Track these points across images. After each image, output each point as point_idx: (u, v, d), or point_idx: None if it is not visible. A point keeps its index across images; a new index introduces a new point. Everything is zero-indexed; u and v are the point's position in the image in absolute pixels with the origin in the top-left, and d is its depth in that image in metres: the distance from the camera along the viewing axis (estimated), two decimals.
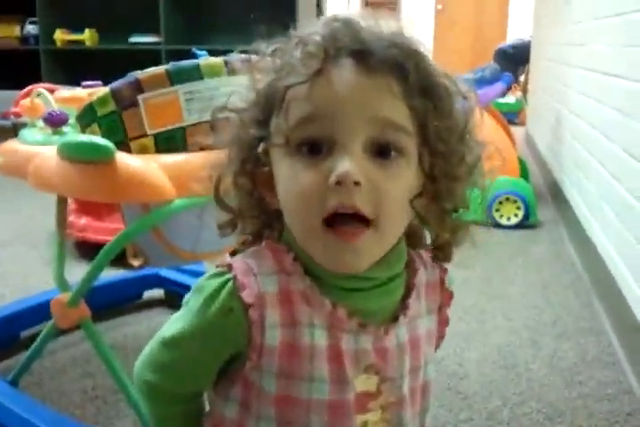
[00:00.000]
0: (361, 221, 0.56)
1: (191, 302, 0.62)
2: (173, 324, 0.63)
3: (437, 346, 0.72)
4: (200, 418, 0.69)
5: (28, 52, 4.99)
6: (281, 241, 0.63)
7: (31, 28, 5.04)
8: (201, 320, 0.60)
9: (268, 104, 0.59)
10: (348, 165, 0.54)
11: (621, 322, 1.70)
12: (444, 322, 0.70)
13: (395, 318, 0.63)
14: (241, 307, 0.58)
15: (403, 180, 0.58)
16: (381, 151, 0.57)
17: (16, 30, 5.11)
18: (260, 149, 0.60)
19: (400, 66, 0.57)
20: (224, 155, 0.63)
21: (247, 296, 0.58)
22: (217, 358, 0.63)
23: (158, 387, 0.66)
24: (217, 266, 0.62)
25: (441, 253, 0.67)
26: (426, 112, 0.57)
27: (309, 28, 0.60)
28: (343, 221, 0.56)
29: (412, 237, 0.66)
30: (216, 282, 0.60)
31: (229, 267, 0.60)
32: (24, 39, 5.11)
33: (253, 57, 0.63)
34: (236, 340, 0.60)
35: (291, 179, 0.57)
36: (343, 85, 0.56)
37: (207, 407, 0.70)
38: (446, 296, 0.69)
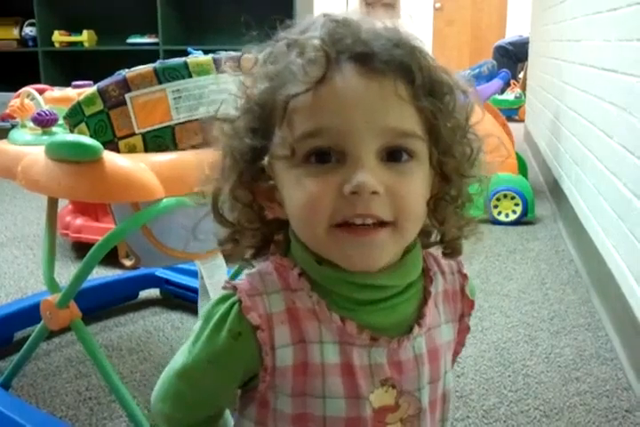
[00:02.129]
0: (378, 224, 0.55)
1: (200, 329, 0.61)
2: (184, 353, 0.62)
3: (457, 353, 0.70)
4: None
5: (26, 53, 5.00)
6: (287, 256, 0.61)
7: (29, 30, 5.03)
8: (211, 347, 0.59)
9: (265, 113, 0.57)
10: (365, 174, 0.53)
11: (620, 318, 1.69)
12: (464, 330, 0.68)
13: (409, 329, 0.61)
14: (249, 330, 0.57)
15: (418, 181, 0.56)
16: (393, 156, 0.55)
17: (14, 32, 5.11)
18: (266, 161, 0.58)
19: (405, 67, 0.55)
20: (218, 163, 0.61)
21: (254, 318, 0.57)
22: (231, 383, 0.62)
23: (176, 418, 0.66)
24: (223, 288, 0.61)
25: (450, 248, 0.65)
26: (434, 113, 0.56)
27: (302, 29, 0.58)
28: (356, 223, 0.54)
29: (421, 236, 0.63)
30: (223, 307, 0.59)
31: (234, 289, 0.59)
32: (22, 41, 5.10)
33: (243, 57, 0.61)
34: (248, 363, 0.59)
35: (299, 188, 0.55)
36: (349, 94, 0.54)
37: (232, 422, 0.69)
38: (468, 305, 0.67)
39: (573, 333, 1.75)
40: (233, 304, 0.58)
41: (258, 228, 0.62)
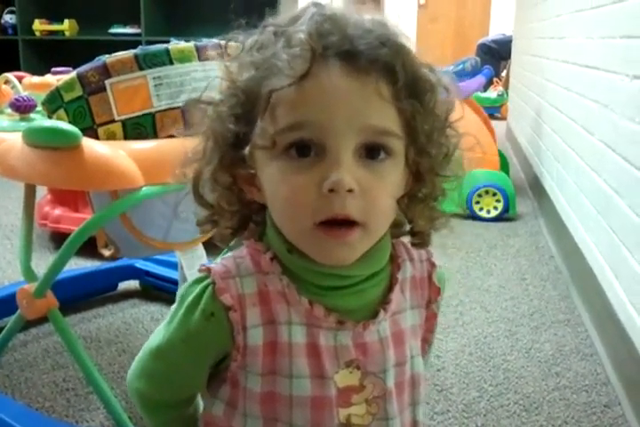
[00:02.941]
0: (351, 223, 0.56)
1: (175, 310, 0.63)
2: (160, 333, 0.64)
3: (429, 340, 0.71)
4: (197, 418, 0.70)
5: (5, 42, 4.93)
6: (262, 239, 0.63)
7: (9, 18, 4.96)
8: (185, 327, 0.61)
9: (249, 101, 0.58)
10: (341, 173, 0.54)
11: (599, 314, 1.70)
12: (432, 317, 0.69)
13: (375, 314, 0.63)
14: (222, 310, 0.59)
15: (391, 180, 0.58)
16: (370, 153, 0.57)
17: None
18: (247, 151, 0.58)
19: (389, 67, 0.56)
20: (199, 147, 0.61)
21: (227, 299, 0.59)
22: (205, 363, 0.64)
23: (151, 396, 0.68)
24: (199, 271, 0.62)
25: (419, 239, 0.66)
26: (414, 114, 0.57)
27: (290, 18, 0.58)
28: (333, 222, 0.56)
29: (391, 227, 0.64)
30: (197, 289, 0.61)
31: (209, 271, 0.61)
32: (2, 29, 5.03)
33: (229, 44, 0.61)
34: (220, 343, 0.61)
35: (281, 182, 0.57)
36: (332, 90, 0.55)
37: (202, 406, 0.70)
38: (434, 291, 0.68)
39: (553, 328, 1.76)
40: (207, 286, 0.60)
41: (237, 210, 0.63)
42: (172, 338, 0.63)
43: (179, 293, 0.64)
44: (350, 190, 0.54)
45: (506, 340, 1.68)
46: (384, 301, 0.64)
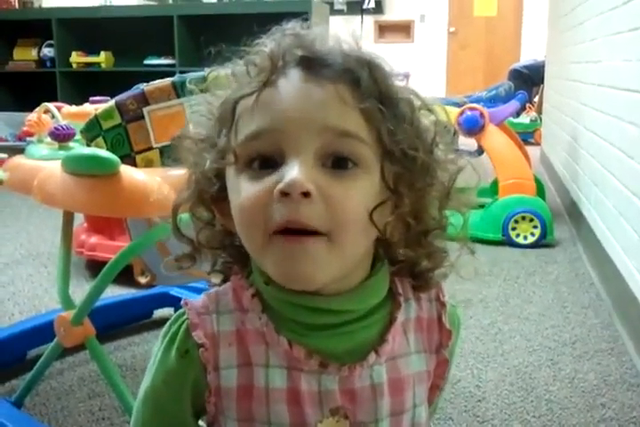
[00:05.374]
0: (313, 235, 0.52)
1: (156, 350, 0.60)
2: (146, 377, 0.61)
3: (440, 387, 0.65)
4: None
5: (44, 74, 5.05)
6: (250, 276, 0.60)
7: (47, 51, 5.10)
8: (164, 367, 0.58)
9: (221, 123, 0.57)
10: (296, 172, 0.50)
11: None
12: (443, 363, 0.63)
13: (365, 356, 0.57)
14: (195, 348, 0.57)
15: (360, 190, 0.53)
16: (338, 163, 0.53)
17: (33, 53, 5.18)
18: (207, 167, 0.56)
19: (351, 72, 0.54)
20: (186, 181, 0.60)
21: (198, 336, 0.57)
22: (188, 405, 0.60)
23: None
24: (182, 304, 0.60)
25: (421, 280, 0.61)
26: (378, 114, 0.53)
27: (260, 43, 0.58)
28: (290, 233, 0.52)
29: (391, 263, 0.61)
30: (175, 326, 0.58)
31: (187, 305, 0.59)
32: (41, 62, 5.17)
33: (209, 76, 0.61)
34: (196, 383, 0.57)
35: (237, 194, 0.54)
36: (290, 95, 0.53)
37: None
38: (445, 335, 0.62)
39: (596, 357, 1.70)
40: (183, 322, 0.58)
41: (219, 248, 0.60)
42: (155, 379, 0.59)
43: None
44: (306, 194, 0.50)
45: (548, 369, 1.64)
46: (378, 342, 0.58)
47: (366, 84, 0.54)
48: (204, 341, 0.56)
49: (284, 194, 0.50)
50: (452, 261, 0.60)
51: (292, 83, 0.54)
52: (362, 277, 0.58)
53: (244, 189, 0.53)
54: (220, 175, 0.57)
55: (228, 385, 0.56)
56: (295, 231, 0.51)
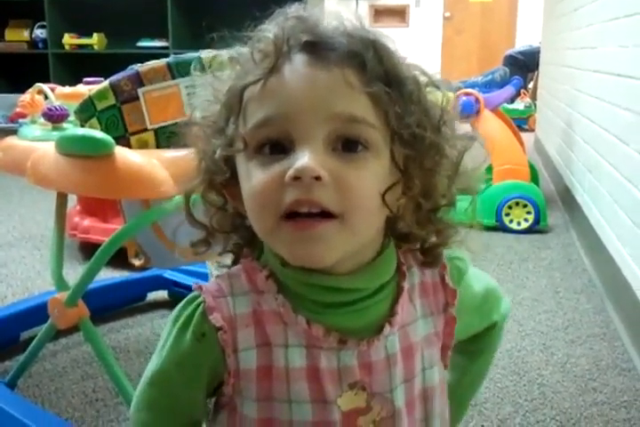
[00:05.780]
0: (325, 217, 0.52)
1: (167, 333, 0.59)
2: (154, 360, 0.61)
3: (448, 346, 0.65)
4: None
5: (36, 55, 5.01)
6: (261, 258, 0.60)
7: (40, 32, 5.05)
8: (178, 350, 0.58)
9: (228, 110, 0.57)
10: (307, 159, 0.51)
11: (636, 328, 1.66)
12: (451, 321, 0.64)
13: (380, 329, 0.59)
14: (213, 331, 0.56)
15: (371, 173, 0.54)
16: (348, 146, 0.53)
17: (25, 34, 5.13)
18: (217, 155, 0.56)
19: (356, 55, 0.54)
20: (196, 166, 0.59)
21: (217, 319, 0.57)
22: (201, 388, 0.60)
23: (153, 425, 0.64)
24: (192, 289, 0.60)
25: (429, 257, 0.62)
26: (386, 97, 0.54)
27: (264, 27, 0.57)
28: (302, 215, 0.52)
29: (398, 239, 0.61)
30: (189, 309, 0.58)
31: (201, 289, 0.58)
32: (33, 43, 5.12)
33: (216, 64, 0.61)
34: (213, 366, 0.58)
35: (248, 180, 0.54)
36: (296, 82, 0.53)
37: None
38: (450, 294, 0.63)
39: (589, 342, 1.71)
40: (198, 305, 0.58)
41: (232, 232, 0.60)
42: (167, 362, 0.59)
43: (171, 314, 0.60)
44: (318, 178, 0.51)
45: (540, 354, 1.64)
46: (390, 314, 0.60)
47: (372, 65, 0.54)
48: (222, 324, 0.56)
49: (296, 178, 0.51)
50: (461, 237, 0.61)
51: (297, 68, 0.54)
52: (373, 254, 0.59)
53: (254, 176, 0.54)
54: (229, 160, 0.57)
55: (247, 366, 0.57)
56: (305, 215, 0.52)
